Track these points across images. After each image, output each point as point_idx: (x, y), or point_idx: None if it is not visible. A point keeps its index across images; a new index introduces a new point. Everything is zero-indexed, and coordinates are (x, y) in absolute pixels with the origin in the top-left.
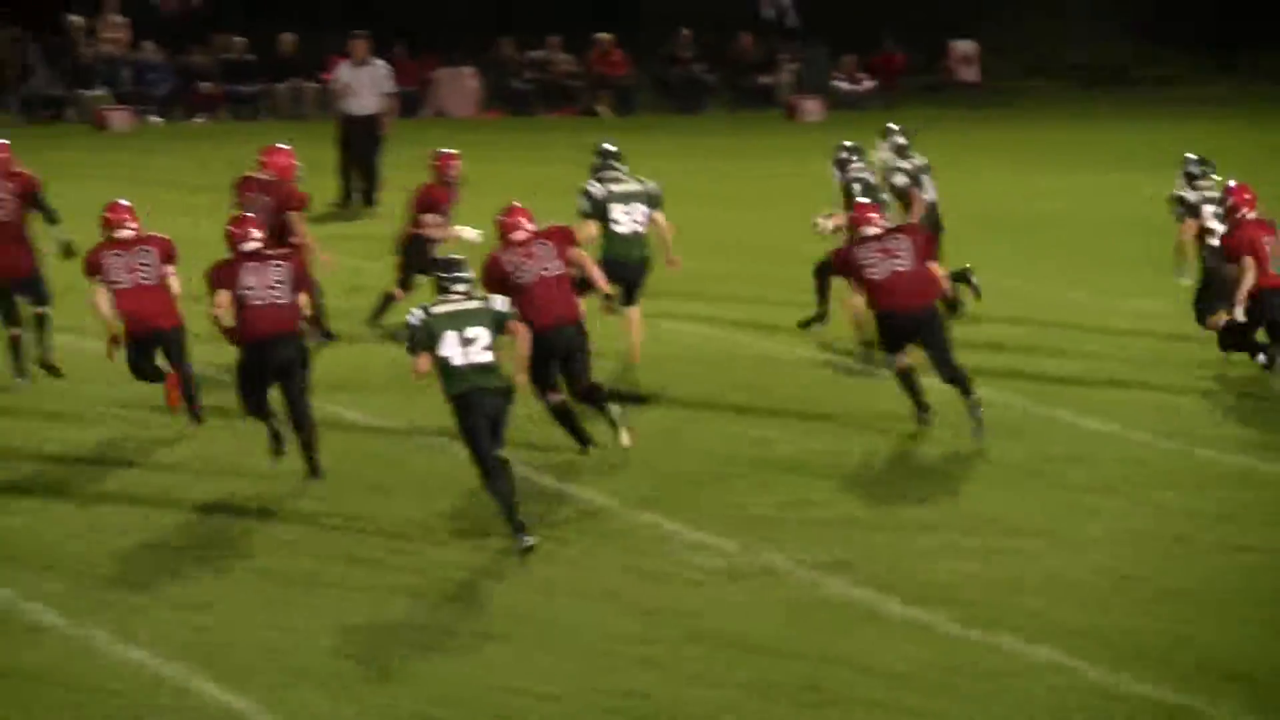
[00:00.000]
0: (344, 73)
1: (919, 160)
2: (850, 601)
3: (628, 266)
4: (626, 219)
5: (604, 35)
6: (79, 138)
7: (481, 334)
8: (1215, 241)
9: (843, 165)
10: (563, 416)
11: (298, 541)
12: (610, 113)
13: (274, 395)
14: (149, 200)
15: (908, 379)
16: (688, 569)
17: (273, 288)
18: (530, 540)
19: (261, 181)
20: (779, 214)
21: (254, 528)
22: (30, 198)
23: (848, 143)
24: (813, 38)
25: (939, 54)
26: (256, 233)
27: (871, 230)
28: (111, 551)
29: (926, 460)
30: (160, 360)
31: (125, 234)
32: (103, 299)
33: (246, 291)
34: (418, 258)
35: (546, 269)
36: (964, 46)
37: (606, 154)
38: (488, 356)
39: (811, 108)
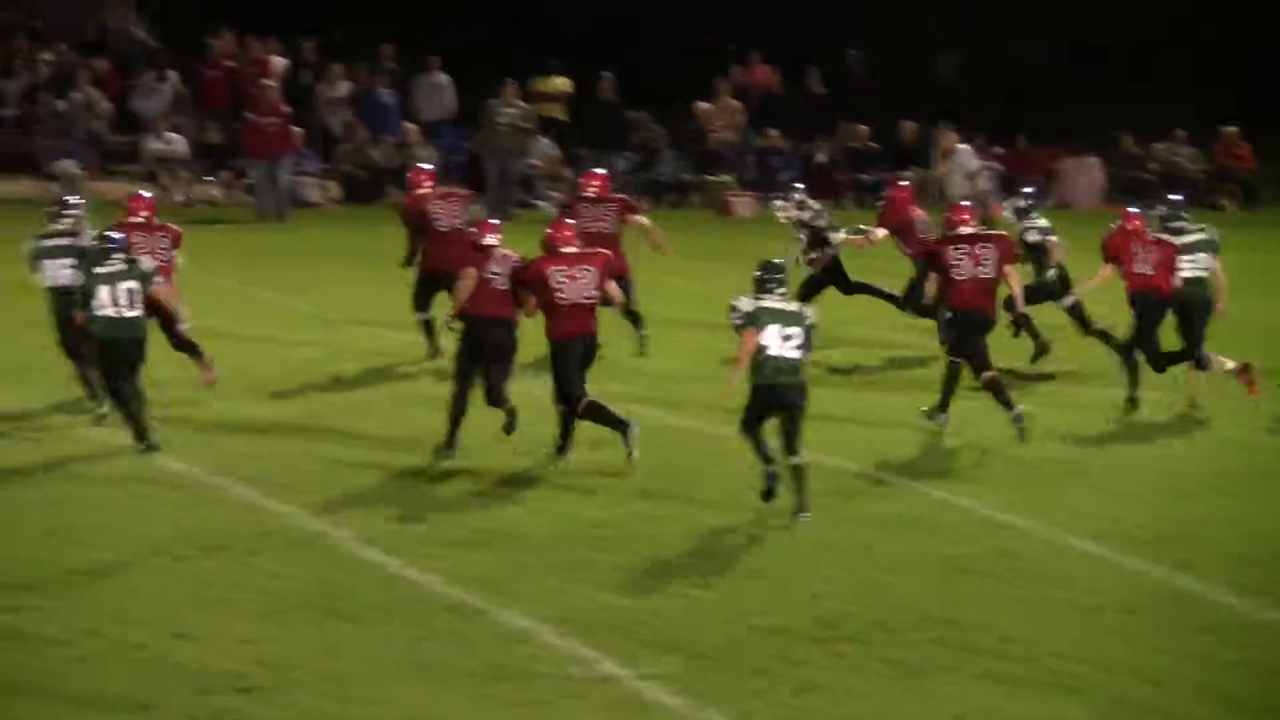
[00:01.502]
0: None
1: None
2: None
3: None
4: (1190, 266)
5: (1230, 128)
6: (704, 222)
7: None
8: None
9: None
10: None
11: (910, 628)
12: (1235, 206)
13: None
14: None
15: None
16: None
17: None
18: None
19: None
20: None
21: (864, 612)
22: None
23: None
24: None
25: None
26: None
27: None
28: (732, 634)
29: None
30: None
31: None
32: None
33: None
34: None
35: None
36: None
37: (1174, 204)
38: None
39: None
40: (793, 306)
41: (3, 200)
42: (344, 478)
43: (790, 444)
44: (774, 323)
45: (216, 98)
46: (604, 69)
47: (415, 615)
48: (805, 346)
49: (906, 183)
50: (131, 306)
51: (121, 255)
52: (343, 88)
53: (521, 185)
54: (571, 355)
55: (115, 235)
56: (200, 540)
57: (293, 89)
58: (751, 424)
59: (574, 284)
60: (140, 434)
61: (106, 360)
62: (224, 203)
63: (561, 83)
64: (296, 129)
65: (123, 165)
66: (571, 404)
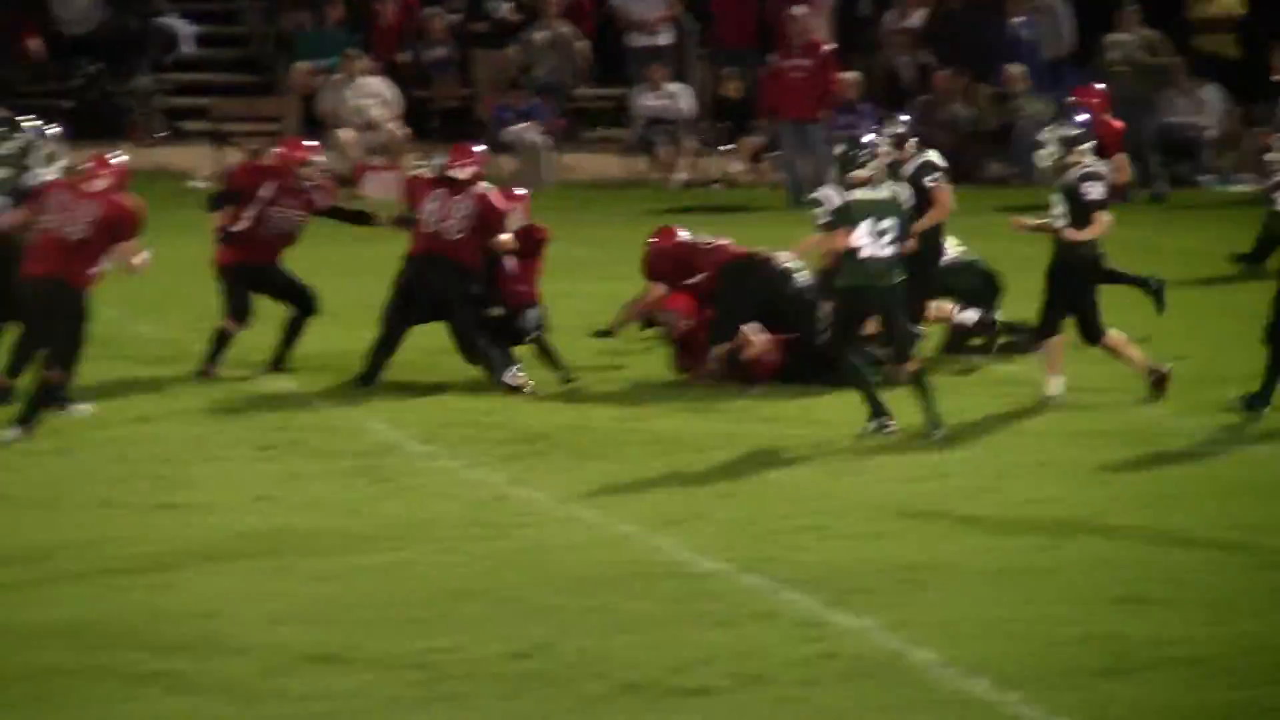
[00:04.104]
0: None
1: None
2: None
3: None
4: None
5: None
6: None
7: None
8: None
9: None
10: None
11: None
12: None
13: None
14: None
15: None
16: None
17: None
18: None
19: None
20: None
21: None
22: None
23: None
24: None
25: None
26: None
27: None
28: None
29: None
30: None
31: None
32: None
33: None
34: None
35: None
36: None
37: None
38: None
39: None
40: (885, 192)
41: None
42: (934, 580)
43: (900, 352)
44: (866, 216)
45: (738, 31)
46: None
47: None
48: (901, 238)
49: None
50: None
51: None
52: (917, 16)
53: (1183, 152)
54: None
55: None
56: (733, 665)
57: (848, 20)
58: (846, 340)
59: None
60: None
61: None
62: (749, 182)
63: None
64: (847, 75)
65: (602, 131)
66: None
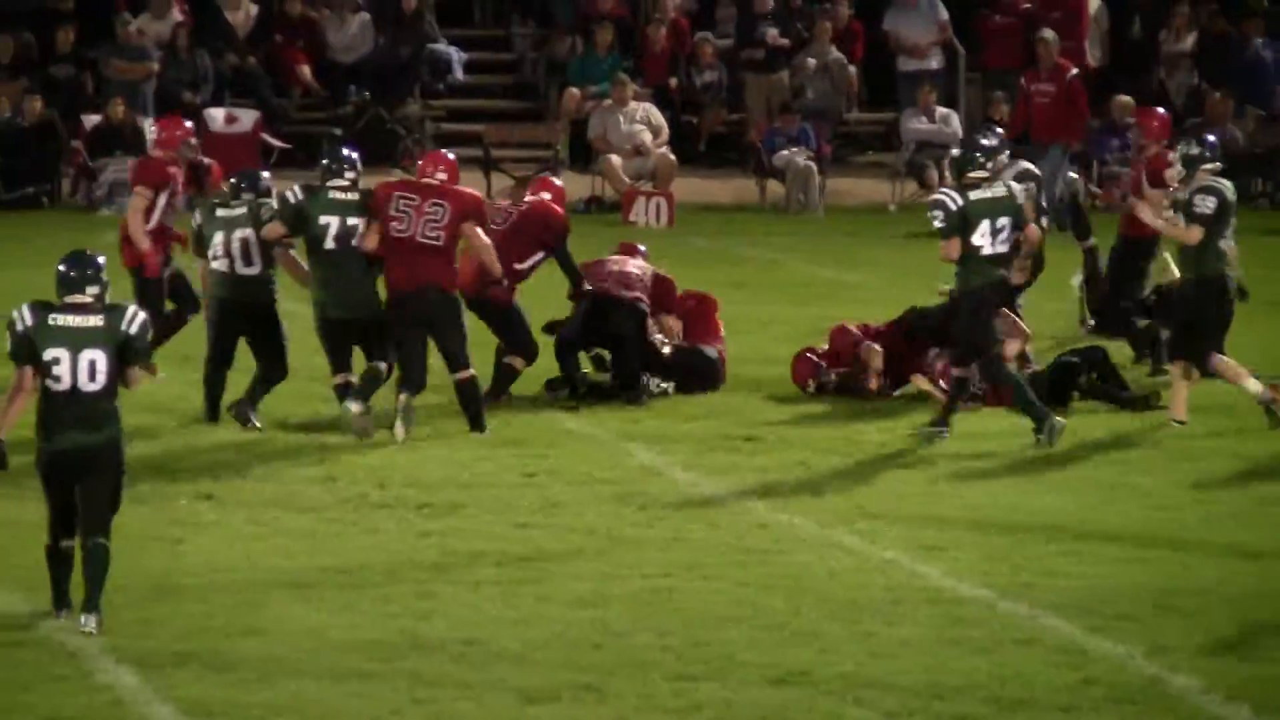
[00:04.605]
0: None
1: None
2: None
3: None
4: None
5: None
6: None
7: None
8: None
9: None
10: None
11: None
12: None
13: None
14: None
15: None
16: None
17: None
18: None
19: None
20: None
21: None
22: None
23: None
24: None
25: None
26: None
27: None
28: None
29: None
30: None
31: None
32: None
33: None
34: None
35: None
36: None
37: None
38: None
39: None
40: (1000, 190)
41: (707, 206)
42: (1193, 605)
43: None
44: (985, 217)
45: (1007, 54)
46: None
47: None
48: (1017, 228)
49: None
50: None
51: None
52: (1190, 38)
53: None
54: None
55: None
56: (994, 692)
57: (1121, 42)
58: (988, 337)
59: None
60: None
61: None
62: None
63: None
64: (1120, 98)
65: (871, 155)
66: None
